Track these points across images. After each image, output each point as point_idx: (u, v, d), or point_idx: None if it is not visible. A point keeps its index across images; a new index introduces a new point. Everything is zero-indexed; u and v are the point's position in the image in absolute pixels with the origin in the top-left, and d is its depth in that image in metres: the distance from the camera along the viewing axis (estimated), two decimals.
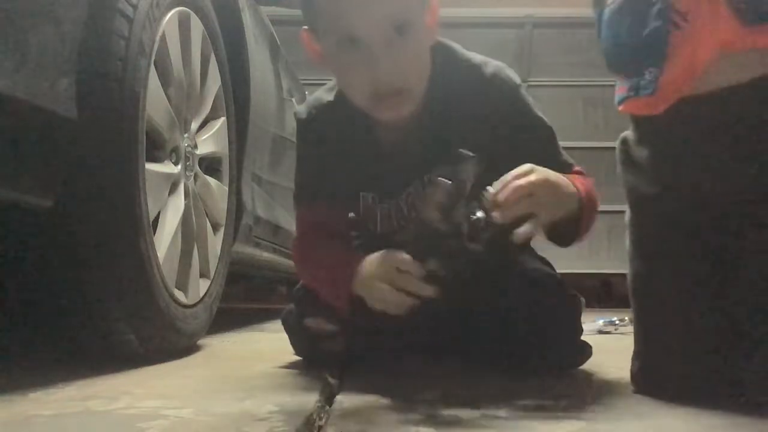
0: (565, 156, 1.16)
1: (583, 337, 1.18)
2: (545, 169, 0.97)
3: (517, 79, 1.13)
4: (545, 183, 0.95)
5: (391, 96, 1.01)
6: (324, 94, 1.17)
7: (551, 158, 1.09)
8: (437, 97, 1.09)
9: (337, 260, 1.11)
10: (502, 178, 0.93)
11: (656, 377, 0.96)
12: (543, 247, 1.20)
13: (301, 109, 1.19)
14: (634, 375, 0.99)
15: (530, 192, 0.92)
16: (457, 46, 1.14)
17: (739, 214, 0.90)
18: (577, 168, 1.14)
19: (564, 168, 1.09)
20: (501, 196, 0.91)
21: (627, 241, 1.01)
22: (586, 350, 1.18)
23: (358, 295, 1.06)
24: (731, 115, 0.89)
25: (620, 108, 1.00)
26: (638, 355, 0.99)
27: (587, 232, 1.10)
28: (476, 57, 1.13)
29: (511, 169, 0.95)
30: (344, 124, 1.13)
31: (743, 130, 0.89)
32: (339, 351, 1.20)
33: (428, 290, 0.97)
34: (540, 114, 1.15)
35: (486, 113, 1.09)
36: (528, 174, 0.93)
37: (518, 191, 0.91)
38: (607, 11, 1.00)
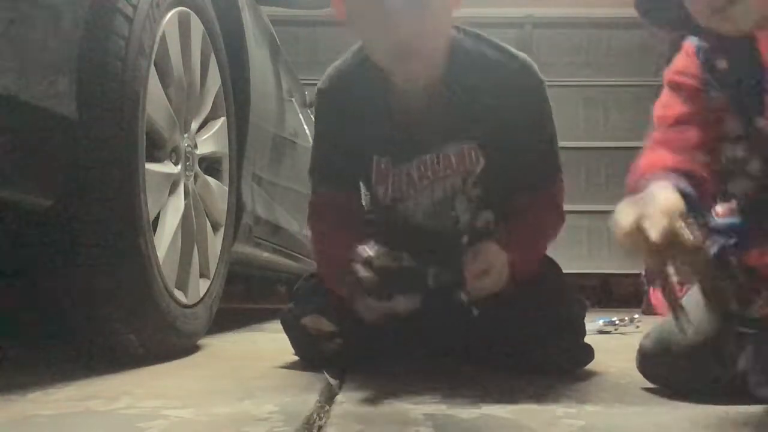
0: (554, 167, 1.22)
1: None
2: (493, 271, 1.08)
3: (541, 77, 1.18)
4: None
5: (408, 55, 1.06)
6: (342, 63, 1.22)
7: (540, 168, 1.21)
8: (458, 72, 1.14)
9: (342, 250, 1.11)
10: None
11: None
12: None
13: (321, 81, 1.24)
14: None
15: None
16: (490, 37, 1.20)
17: None
18: (550, 190, 1.23)
19: (544, 180, 1.21)
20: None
21: None
22: (588, 353, 1.18)
23: None
24: None
25: None
26: None
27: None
28: (508, 47, 1.19)
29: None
30: (363, 89, 1.18)
31: None
32: (337, 350, 1.20)
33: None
34: (551, 119, 1.21)
35: (503, 100, 1.14)
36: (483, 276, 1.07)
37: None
38: None
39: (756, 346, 0.90)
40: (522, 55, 1.18)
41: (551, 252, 1.26)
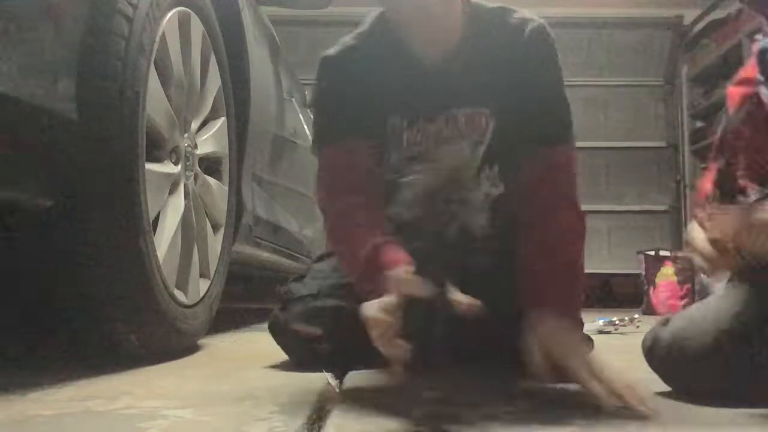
0: (566, 134, 1.17)
1: None
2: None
3: (554, 39, 1.16)
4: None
5: (427, 18, 1.08)
6: (358, 35, 1.19)
7: (553, 121, 1.15)
8: (473, 34, 1.13)
9: (355, 243, 1.06)
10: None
11: None
12: None
13: (330, 50, 1.19)
14: None
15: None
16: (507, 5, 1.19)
17: None
18: (565, 146, 1.16)
19: (558, 134, 1.15)
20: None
21: None
22: (587, 342, 1.17)
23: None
24: None
25: None
26: None
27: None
28: (523, 11, 1.17)
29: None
30: (379, 55, 1.15)
31: None
32: (330, 352, 1.19)
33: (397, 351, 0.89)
34: (563, 82, 1.17)
35: (517, 64, 1.13)
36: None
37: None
38: None
39: None
40: (537, 18, 1.16)
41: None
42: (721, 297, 1.00)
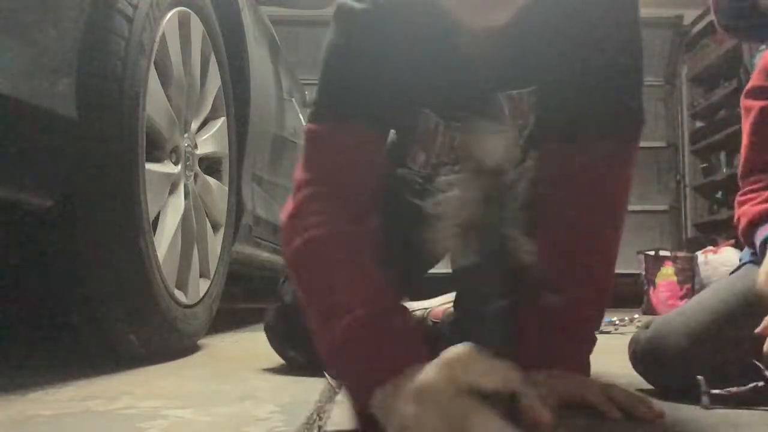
0: (633, 123, 0.91)
1: None
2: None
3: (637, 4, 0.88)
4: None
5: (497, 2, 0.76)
6: None
7: (611, 123, 0.87)
8: (542, 8, 0.83)
9: (339, 302, 0.71)
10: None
11: None
12: None
13: (355, 1, 0.85)
14: None
15: None
16: None
17: None
18: (628, 141, 0.91)
19: (622, 124, 0.88)
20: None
21: None
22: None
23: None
24: None
25: None
26: None
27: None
28: None
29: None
30: (416, 22, 0.85)
31: None
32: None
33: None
34: (642, 56, 0.89)
35: (590, 25, 0.86)
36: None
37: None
38: None
39: None
40: None
41: None
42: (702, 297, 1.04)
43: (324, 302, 0.72)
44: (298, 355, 1.19)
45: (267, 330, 1.25)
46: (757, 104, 1.06)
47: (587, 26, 0.86)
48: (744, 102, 1.09)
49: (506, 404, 0.56)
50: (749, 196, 1.05)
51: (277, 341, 1.24)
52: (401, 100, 0.87)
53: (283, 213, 0.84)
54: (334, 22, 0.87)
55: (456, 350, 0.57)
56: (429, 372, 0.59)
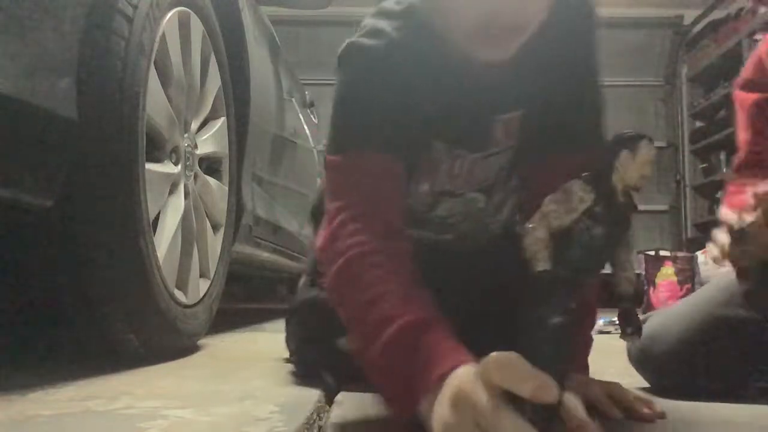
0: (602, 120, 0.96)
1: None
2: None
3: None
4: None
5: (504, 32, 0.77)
6: (389, 22, 0.89)
7: (589, 120, 0.94)
8: (549, 36, 0.83)
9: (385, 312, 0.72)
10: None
11: None
12: None
13: (364, 38, 0.88)
14: None
15: None
16: None
17: None
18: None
19: (592, 135, 0.93)
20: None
21: None
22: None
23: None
24: None
25: None
26: None
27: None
28: None
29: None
30: (425, 57, 0.87)
31: None
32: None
33: None
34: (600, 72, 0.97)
35: (573, 46, 0.91)
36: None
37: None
38: None
39: None
40: None
41: None
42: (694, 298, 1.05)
43: (368, 314, 0.73)
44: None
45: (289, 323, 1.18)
46: (751, 97, 1.06)
47: (569, 57, 0.91)
48: (737, 95, 1.09)
49: (548, 411, 0.55)
50: (740, 189, 1.06)
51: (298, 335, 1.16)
52: (412, 131, 0.89)
53: (317, 243, 0.86)
54: (344, 61, 0.89)
55: (497, 356, 0.56)
56: (467, 376, 0.60)
